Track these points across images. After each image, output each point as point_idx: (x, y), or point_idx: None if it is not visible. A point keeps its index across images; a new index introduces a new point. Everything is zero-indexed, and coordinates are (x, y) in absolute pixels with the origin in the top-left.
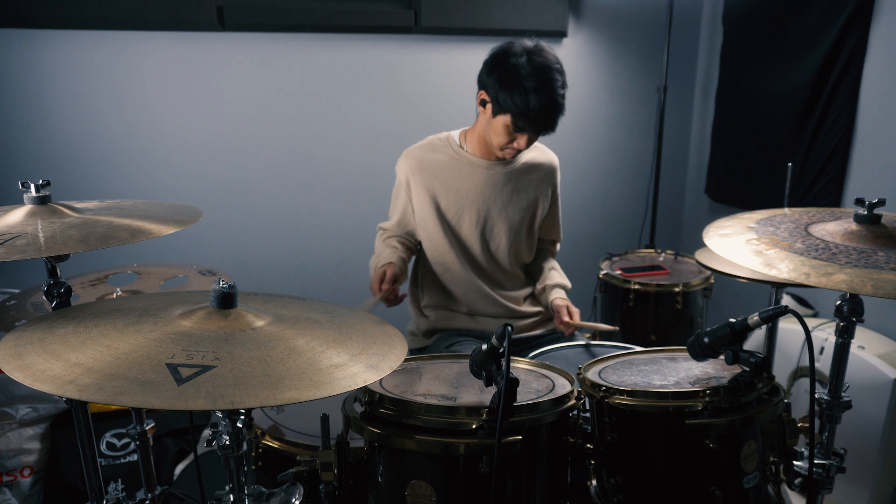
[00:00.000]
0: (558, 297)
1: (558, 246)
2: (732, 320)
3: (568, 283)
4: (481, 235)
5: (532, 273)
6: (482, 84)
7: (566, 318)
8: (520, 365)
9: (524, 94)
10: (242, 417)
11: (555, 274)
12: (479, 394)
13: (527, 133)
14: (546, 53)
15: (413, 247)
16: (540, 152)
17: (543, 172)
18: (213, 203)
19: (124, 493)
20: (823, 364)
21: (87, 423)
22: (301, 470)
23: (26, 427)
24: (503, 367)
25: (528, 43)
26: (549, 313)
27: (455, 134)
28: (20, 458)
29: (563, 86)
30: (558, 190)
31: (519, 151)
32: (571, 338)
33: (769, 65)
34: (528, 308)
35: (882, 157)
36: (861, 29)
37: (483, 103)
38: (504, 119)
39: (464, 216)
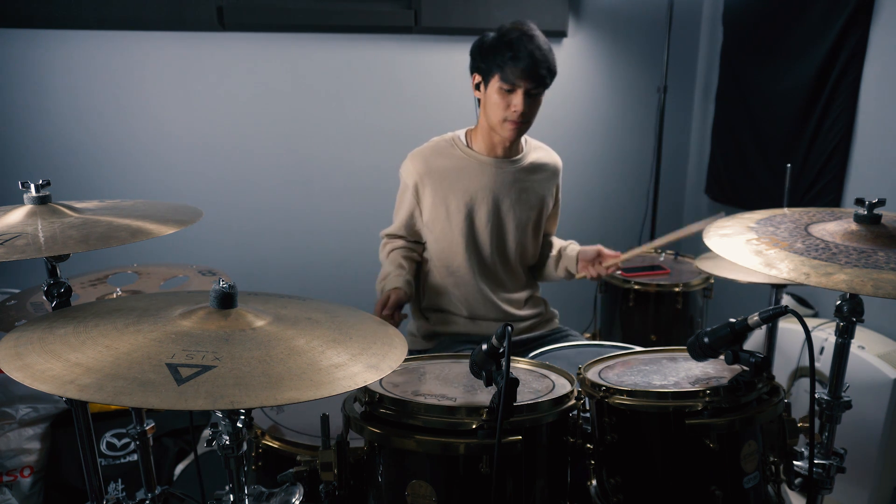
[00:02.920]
0: (581, 248)
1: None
2: (732, 320)
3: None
4: (492, 233)
5: (537, 264)
6: (472, 69)
7: (609, 253)
8: (520, 365)
9: (507, 46)
10: (242, 417)
11: (560, 241)
12: (479, 394)
13: (519, 88)
14: (519, 22)
15: (418, 257)
16: (545, 153)
17: (549, 172)
18: (213, 203)
19: (124, 493)
20: (823, 364)
21: (87, 423)
22: (301, 470)
23: (26, 427)
24: (503, 367)
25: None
26: (551, 314)
27: (461, 134)
28: (20, 458)
29: (546, 43)
30: (560, 190)
31: (523, 122)
32: (571, 338)
33: (769, 65)
34: (526, 311)
35: (882, 157)
36: (861, 29)
37: (477, 86)
38: (495, 83)
39: (474, 215)
